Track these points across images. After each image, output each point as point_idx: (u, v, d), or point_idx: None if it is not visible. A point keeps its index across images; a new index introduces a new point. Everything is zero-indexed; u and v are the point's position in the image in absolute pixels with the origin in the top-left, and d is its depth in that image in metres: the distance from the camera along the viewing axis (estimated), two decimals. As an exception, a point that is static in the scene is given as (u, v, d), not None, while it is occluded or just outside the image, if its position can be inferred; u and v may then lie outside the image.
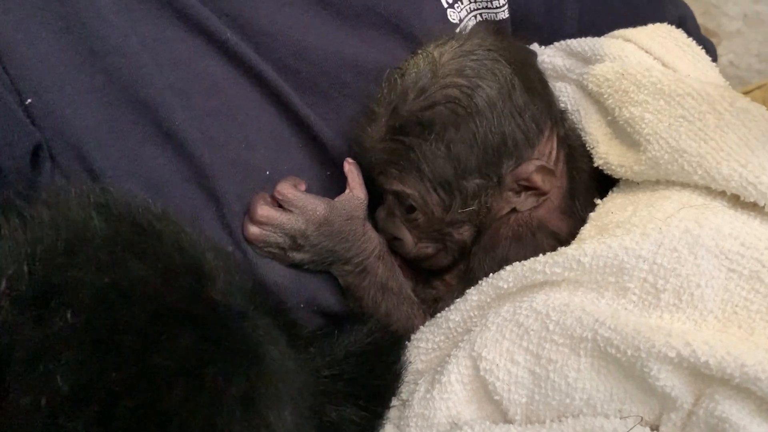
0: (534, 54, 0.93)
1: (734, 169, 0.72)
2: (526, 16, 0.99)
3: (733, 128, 0.74)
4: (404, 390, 0.83)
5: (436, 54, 0.84)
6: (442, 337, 0.83)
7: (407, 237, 0.89)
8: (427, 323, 0.86)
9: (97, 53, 0.74)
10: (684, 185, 0.76)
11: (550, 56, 0.97)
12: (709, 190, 0.75)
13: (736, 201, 0.74)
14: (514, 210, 0.86)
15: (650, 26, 0.94)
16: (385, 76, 0.85)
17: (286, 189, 0.82)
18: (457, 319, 0.82)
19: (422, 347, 0.84)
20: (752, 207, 0.73)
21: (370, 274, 0.86)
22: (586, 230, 0.80)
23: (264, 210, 0.80)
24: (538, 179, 0.83)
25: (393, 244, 0.90)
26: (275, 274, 0.83)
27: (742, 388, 0.63)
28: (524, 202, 0.85)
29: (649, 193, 0.79)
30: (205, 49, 0.81)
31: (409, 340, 0.86)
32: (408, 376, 0.84)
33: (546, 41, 0.99)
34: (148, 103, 0.76)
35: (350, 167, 0.86)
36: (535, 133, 0.83)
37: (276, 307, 0.80)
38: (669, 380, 0.66)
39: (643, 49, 0.90)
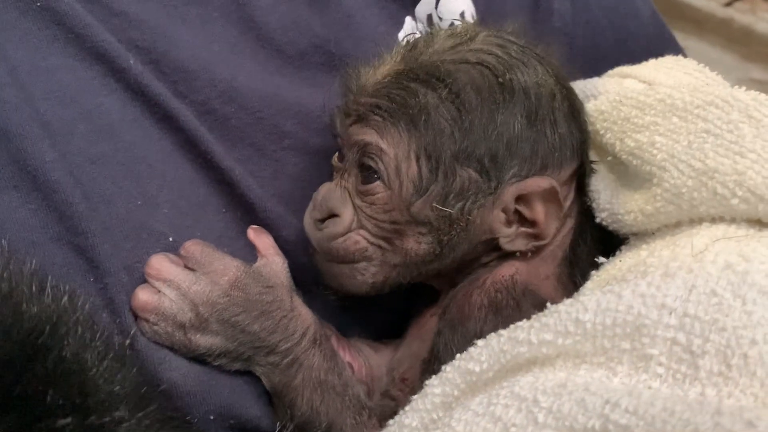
0: None
1: (789, 182, 0.52)
2: None
3: (779, 136, 0.54)
4: None
5: (472, 30, 0.69)
6: (396, 454, 0.59)
7: (347, 213, 0.66)
8: (375, 436, 0.62)
9: None
10: (717, 219, 0.56)
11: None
12: (752, 222, 0.54)
13: (793, 233, 0.53)
14: (493, 246, 0.65)
15: (652, 60, 0.77)
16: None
17: (195, 245, 0.64)
18: (414, 425, 0.58)
19: (370, 471, 0.60)
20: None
21: (304, 367, 0.64)
22: (586, 287, 0.58)
23: (158, 262, 0.62)
24: (540, 210, 0.64)
25: (318, 226, 0.68)
26: (174, 371, 0.62)
27: None
28: (513, 238, 0.64)
29: (669, 237, 0.58)
30: (101, 81, 0.65)
31: (352, 461, 0.61)
32: None
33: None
34: (9, 133, 0.59)
35: (255, 233, 0.69)
36: (559, 159, 0.65)
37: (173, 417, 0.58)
38: (727, 490, 0.42)
39: (645, 82, 0.72)
